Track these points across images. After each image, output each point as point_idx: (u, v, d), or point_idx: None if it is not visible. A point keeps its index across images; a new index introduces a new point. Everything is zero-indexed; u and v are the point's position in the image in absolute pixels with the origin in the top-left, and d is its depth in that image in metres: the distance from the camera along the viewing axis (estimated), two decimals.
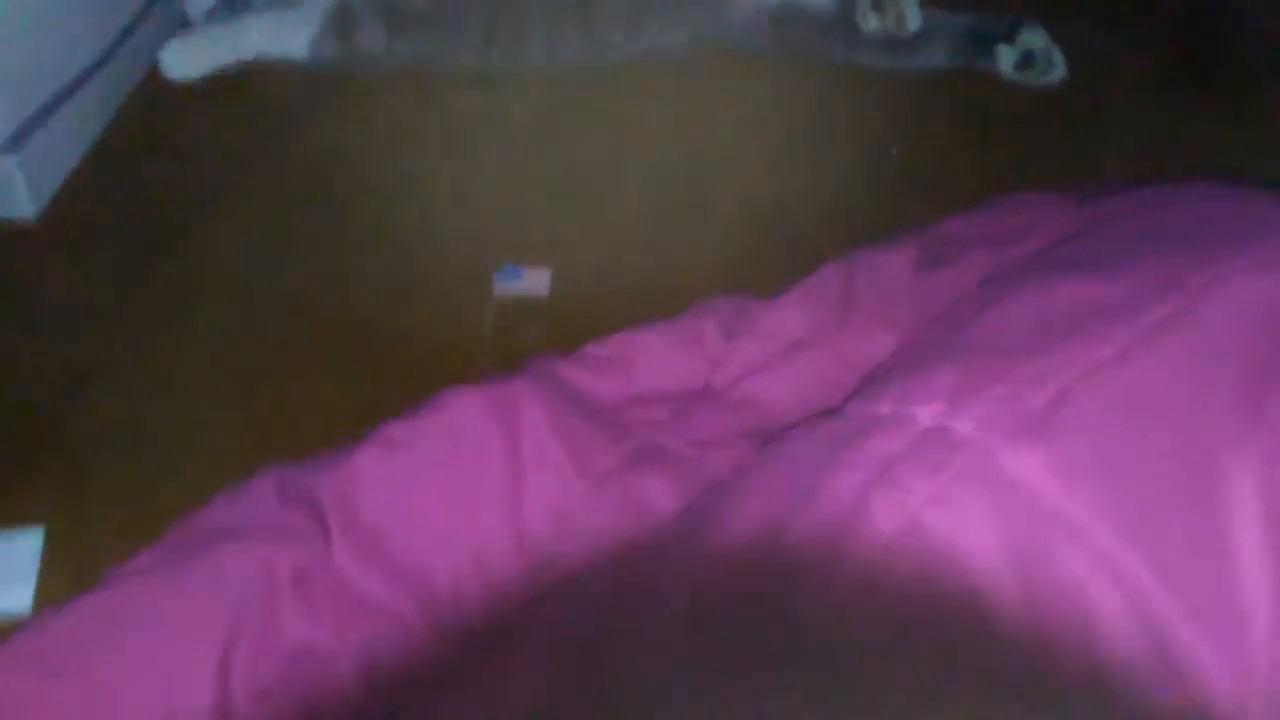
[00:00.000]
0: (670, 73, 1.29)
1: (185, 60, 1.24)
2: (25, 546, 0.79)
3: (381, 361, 0.96)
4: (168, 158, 1.18)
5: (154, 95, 1.24)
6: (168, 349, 0.97)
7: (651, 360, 0.89)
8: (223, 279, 1.04)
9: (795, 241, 1.07)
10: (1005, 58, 1.25)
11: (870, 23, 1.23)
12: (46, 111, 1.10)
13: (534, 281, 1.04)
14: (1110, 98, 1.28)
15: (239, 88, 1.25)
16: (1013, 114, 1.25)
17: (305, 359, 0.96)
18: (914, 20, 1.22)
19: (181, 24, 1.29)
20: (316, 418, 0.90)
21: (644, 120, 1.24)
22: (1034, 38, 1.24)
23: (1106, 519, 0.50)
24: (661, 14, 1.26)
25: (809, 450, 0.60)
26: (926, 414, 0.56)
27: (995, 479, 0.51)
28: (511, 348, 0.94)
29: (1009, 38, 1.25)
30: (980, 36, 1.26)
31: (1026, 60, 1.25)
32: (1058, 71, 1.25)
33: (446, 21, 1.24)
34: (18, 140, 1.06)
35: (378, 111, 1.24)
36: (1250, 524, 0.50)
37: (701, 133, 1.24)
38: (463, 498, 0.76)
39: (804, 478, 0.58)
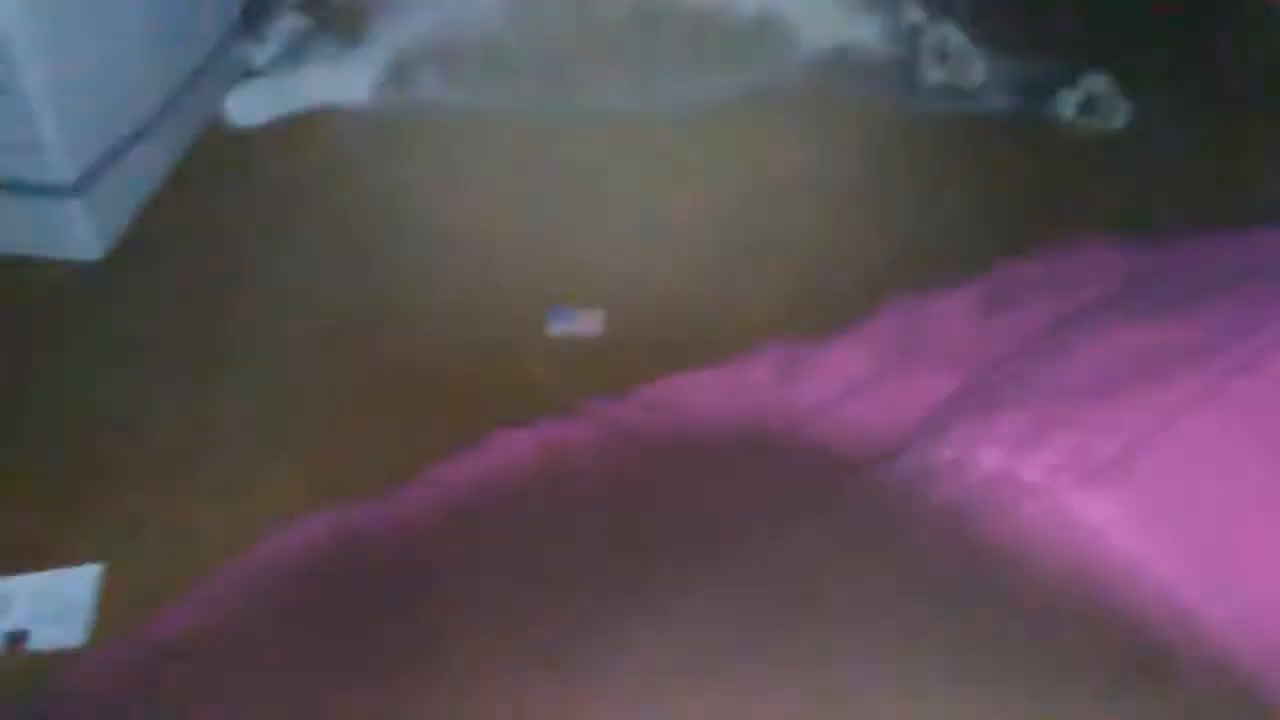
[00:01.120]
0: (728, 118, 1.28)
1: (249, 107, 1.27)
2: (82, 583, 0.80)
3: (434, 405, 0.95)
4: (230, 203, 1.20)
5: (218, 141, 1.26)
6: (222, 390, 0.97)
7: (704, 404, 0.87)
8: (278, 324, 1.04)
9: (852, 285, 1.06)
10: (1067, 102, 1.24)
11: (935, 74, 1.22)
12: (113, 156, 1.12)
13: (587, 322, 1.03)
14: (1173, 143, 1.25)
15: (301, 134, 1.27)
16: (1074, 158, 1.23)
17: (359, 402, 0.96)
18: (978, 72, 1.21)
19: (245, 72, 1.31)
20: (369, 460, 0.89)
21: (701, 165, 1.24)
22: (1096, 82, 1.23)
23: (1185, 571, 0.48)
24: (719, 61, 1.26)
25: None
26: (990, 458, 0.54)
27: (1066, 525, 0.49)
28: (565, 390, 0.93)
29: (1071, 82, 1.23)
30: (1042, 82, 1.25)
31: (1089, 105, 1.23)
32: (1120, 116, 1.23)
33: (503, 69, 1.25)
34: (84, 183, 1.08)
35: (436, 156, 1.25)
36: None
37: (760, 177, 1.23)
38: None
39: None
